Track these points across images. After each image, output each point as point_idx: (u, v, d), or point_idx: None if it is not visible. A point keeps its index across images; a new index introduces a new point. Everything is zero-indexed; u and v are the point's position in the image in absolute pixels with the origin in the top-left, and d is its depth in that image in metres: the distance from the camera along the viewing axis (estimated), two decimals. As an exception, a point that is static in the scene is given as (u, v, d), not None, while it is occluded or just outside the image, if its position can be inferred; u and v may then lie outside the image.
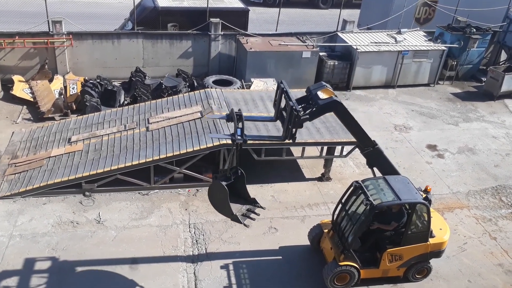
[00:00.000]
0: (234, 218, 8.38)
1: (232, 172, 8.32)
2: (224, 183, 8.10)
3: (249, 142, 11.59)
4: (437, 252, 9.46)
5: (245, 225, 8.49)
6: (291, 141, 8.42)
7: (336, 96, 8.60)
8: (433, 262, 9.72)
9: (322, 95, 8.43)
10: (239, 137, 7.89)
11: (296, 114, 7.95)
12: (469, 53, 19.34)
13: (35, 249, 9.74)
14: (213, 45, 17.42)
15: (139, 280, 9.26)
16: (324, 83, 8.74)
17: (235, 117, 7.91)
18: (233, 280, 9.47)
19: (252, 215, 8.61)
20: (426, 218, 9.05)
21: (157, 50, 17.08)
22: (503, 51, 20.76)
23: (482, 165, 14.24)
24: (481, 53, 19.80)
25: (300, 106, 8.33)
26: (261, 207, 8.79)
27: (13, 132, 13.48)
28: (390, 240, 9.23)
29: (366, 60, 17.80)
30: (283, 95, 8.47)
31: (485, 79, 19.29)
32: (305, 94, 8.74)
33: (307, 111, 8.28)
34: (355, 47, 17.72)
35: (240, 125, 7.91)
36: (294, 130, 8.20)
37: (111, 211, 10.98)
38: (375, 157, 9.30)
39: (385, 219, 9.15)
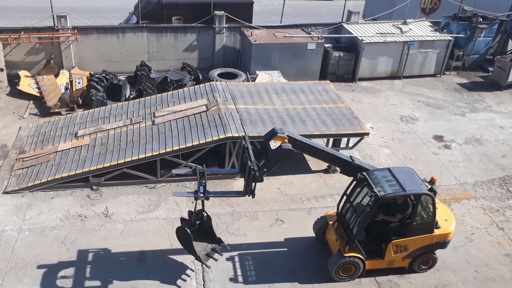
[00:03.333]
0: (198, 258, 9.00)
1: (197, 218, 8.85)
2: (188, 229, 8.70)
3: (253, 135, 11.75)
4: (443, 243, 9.45)
5: (207, 266, 9.11)
6: (251, 196, 8.67)
7: (290, 137, 8.59)
8: (440, 252, 9.73)
9: (274, 144, 8.51)
10: (201, 194, 8.28)
11: (254, 173, 8.25)
12: (476, 43, 19.17)
13: (44, 242, 9.87)
14: (217, 38, 17.41)
15: (147, 272, 9.36)
16: (276, 129, 8.70)
17: (198, 173, 8.35)
18: (239, 271, 9.54)
19: (216, 255, 9.25)
20: (432, 209, 9.04)
21: (161, 44, 17.10)
22: (510, 40, 20.53)
23: (489, 155, 14.17)
24: (488, 42, 19.60)
25: (261, 157, 8.56)
26: (225, 246, 9.41)
27: (20, 127, 13.61)
28: (395, 231, 9.22)
29: (372, 51, 17.70)
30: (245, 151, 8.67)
31: (492, 69, 19.13)
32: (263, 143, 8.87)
33: (264, 164, 8.45)
34: (360, 38, 17.62)
35: (203, 182, 8.31)
36: (253, 185, 8.45)
37: (119, 204, 11.07)
38: (356, 171, 9.26)
39: (390, 210, 9.15)
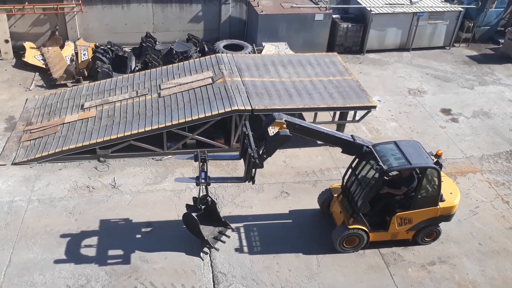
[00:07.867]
0: (206, 242, 9.37)
1: (202, 203, 9.10)
2: (194, 214, 9.02)
3: (258, 108, 11.72)
4: (447, 216, 9.50)
5: (215, 248, 9.35)
6: (251, 183, 8.80)
7: (288, 122, 8.57)
8: (444, 225, 9.79)
9: (272, 130, 8.51)
10: (203, 180, 8.55)
11: (254, 161, 8.32)
12: (487, 14, 18.75)
13: (53, 213, 10.04)
14: (223, 9, 17.15)
15: (154, 243, 9.53)
16: (275, 115, 8.67)
17: (199, 159, 8.53)
18: (245, 242, 9.68)
19: (223, 238, 9.59)
20: (437, 183, 9.05)
21: (167, 15, 16.88)
22: (523, 11, 20.09)
23: (497, 129, 14.06)
24: (500, 13, 19.16)
25: (261, 143, 8.59)
26: (232, 229, 9.78)
27: (26, 99, 13.64)
28: (399, 204, 9.28)
29: (380, 22, 17.39)
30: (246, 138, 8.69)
31: (502, 41, 18.76)
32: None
33: (263, 150, 8.50)
34: (369, 8, 17.28)
35: (205, 168, 8.53)
36: (254, 171, 8.61)
37: (126, 176, 11.18)
38: (358, 150, 9.21)
39: (395, 183, 9.18)
